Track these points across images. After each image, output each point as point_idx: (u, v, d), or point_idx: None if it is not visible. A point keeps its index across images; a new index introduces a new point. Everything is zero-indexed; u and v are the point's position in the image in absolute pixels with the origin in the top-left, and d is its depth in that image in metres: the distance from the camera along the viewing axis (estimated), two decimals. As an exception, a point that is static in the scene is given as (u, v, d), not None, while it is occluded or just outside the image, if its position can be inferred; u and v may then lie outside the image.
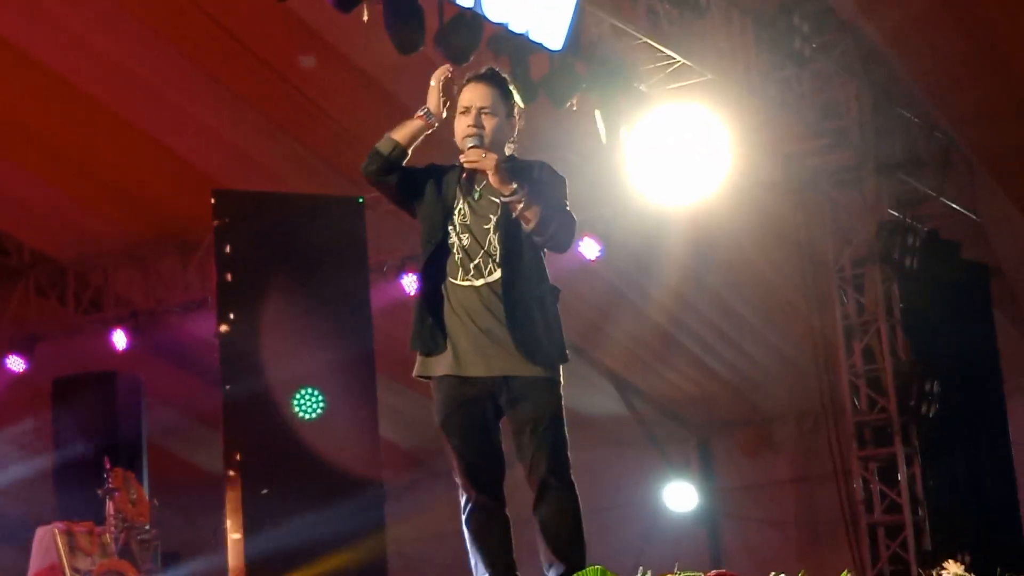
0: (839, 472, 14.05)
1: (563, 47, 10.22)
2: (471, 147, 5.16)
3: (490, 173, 5.10)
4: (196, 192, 13.76)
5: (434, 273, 5.24)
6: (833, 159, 13.74)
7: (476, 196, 5.25)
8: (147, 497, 11.49)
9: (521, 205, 5.09)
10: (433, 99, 5.18)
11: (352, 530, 11.68)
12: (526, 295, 5.17)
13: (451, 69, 5.24)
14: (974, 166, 14.59)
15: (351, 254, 12.69)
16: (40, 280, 16.05)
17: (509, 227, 5.18)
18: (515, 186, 5.09)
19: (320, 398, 12.09)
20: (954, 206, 14.72)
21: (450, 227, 5.23)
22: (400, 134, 5.23)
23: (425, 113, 5.20)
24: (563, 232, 5.16)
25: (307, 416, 11.96)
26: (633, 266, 15.27)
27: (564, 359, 5.23)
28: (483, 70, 5.36)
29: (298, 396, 12.16)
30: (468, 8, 9.54)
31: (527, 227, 5.12)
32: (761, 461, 18.26)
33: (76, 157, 14.11)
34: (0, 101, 13.20)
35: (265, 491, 11.58)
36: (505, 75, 5.37)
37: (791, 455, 18.01)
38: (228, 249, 12.14)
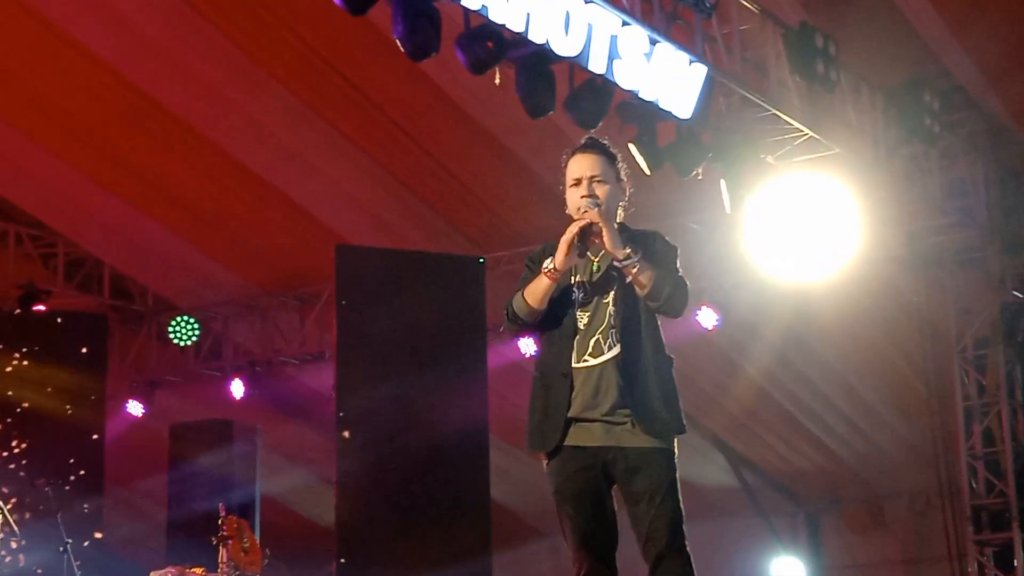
0: (953, 555, 13.83)
1: (691, 116, 10.23)
2: (585, 211, 5.16)
3: (605, 237, 5.11)
4: (318, 245, 13.95)
5: (553, 360, 5.23)
6: (958, 237, 13.63)
7: (594, 269, 5.26)
8: (260, 547, 11.50)
9: (636, 269, 5.09)
10: (561, 257, 5.11)
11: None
12: (646, 367, 5.16)
13: (583, 225, 5.13)
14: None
15: (469, 314, 12.73)
16: (162, 326, 16.30)
17: (627, 300, 5.19)
18: (629, 250, 5.10)
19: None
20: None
21: (571, 310, 5.22)
22: (533, 297, 5.17)
23: (552, 269, 5.13)
24: (677, 297, 5.14)
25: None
26: (749, 338, 15.18)
27: (682, 430, 5.22)
28: (585, 140, 5.37)
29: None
30: (599, 74, 9.57)
31: (641, 292, 5.12)
32: (871, 540, 18.01)
33: (202, 207, 14.36)
34: (128, 148, 13.46)
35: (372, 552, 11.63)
36: (606, 141, 5.38)
37: (902, 535, 17.75)
38: (348, 304, 12.24)
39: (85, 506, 13.62)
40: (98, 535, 13.41)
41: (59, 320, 14.72)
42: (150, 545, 15.67)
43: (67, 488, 13.12)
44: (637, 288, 5.12)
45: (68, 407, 14.17)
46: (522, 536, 17.60)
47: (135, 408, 16.14)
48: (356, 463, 11.90)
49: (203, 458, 15.07)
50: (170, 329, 15.79)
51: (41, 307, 14.98)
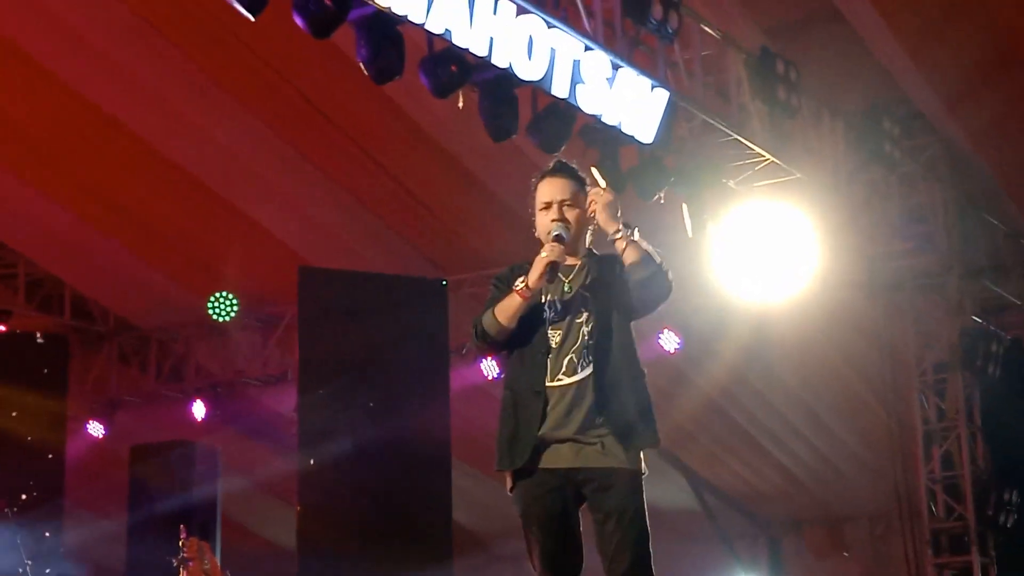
0: (913, 578, 13.91)
1: (654, 141, 10.28)
2: (556, 235, 5.20)
3: (599, 212, 5.18)
4: (280, 267, 13.93)
5: (525, 378, 5.23)
6: (918, 263, 13.72)
7: (566, 289, 5.28)
8: (221, 568, 11.46)
9: (626, 244, 5.15)
10: (535, 275, 5.13)
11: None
12: (621, 383, 5.18)
13: (562, 253, 5.16)
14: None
15: (432, 336, 12.75)
16: (123, 347, 16.24)
17: (601, 318, 5.21)
18: (620, 224, 5.17)
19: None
20: (1038, 314, 14.64)
21: (542, 328, 5.23)
22: (504, 315, 5.18)
23: (525, 288, 5.16)
24: (660, 277, 5.16)
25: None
26: (711, 361, 15.24)
27: (657, 442, 5.24)
28: (554, 164, 5.39)
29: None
30: (562, 99, 9.62)
31: (630, 265, 5.14)
32: (831, 562, 18.09)
33: (164, 227, 14.32)
34: (90, 168, 13.43)
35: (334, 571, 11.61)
36: (575, 164, 5.41)
37: (862, 557, 17.85)
38: (310, 325, 12.23)
39: (47, 533, 13.53)
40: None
41: (20, 340, 14.66)
42: (110, 566, 15.58)
43: (27, 509, 13.05)
44: (626, 262, 5.14)
45: (28, 428, 14.10)
46: (484, 558, 17.59)
47: (96, 429, 16.05)
48: (318, 485, 11.90)
49: (164, 479, 15.01)
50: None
51: (1, 327, 14.91)
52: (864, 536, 17.78)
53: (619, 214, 5.23)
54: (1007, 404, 13.76)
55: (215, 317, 15.25)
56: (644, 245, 5.19)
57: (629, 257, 5.16)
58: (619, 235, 5.18)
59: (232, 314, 15.26)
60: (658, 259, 5.19)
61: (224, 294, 15.20)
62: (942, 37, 11.95)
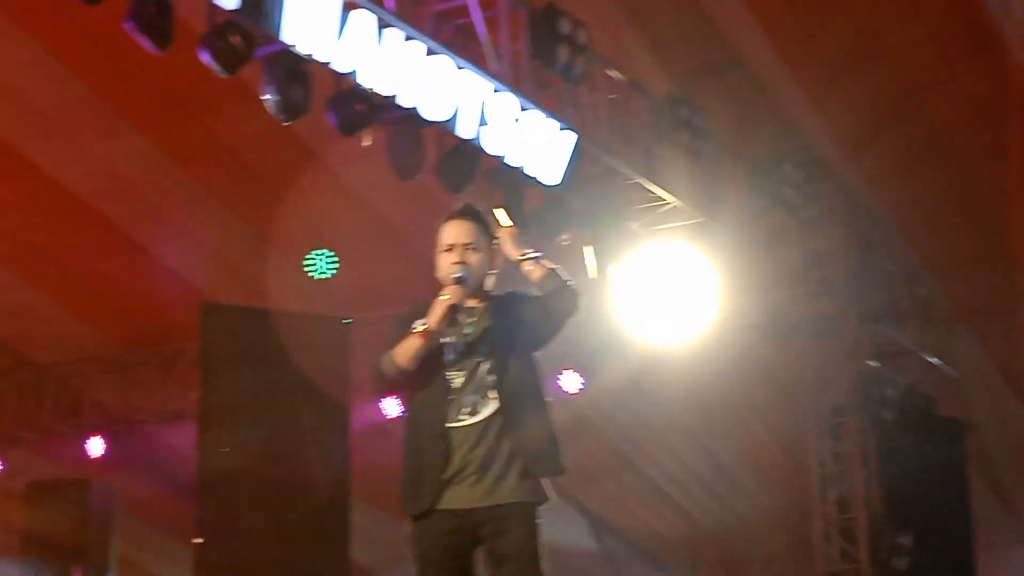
0: (808, 620, 14.00)
1: (559, 183, 10.34)
2: (456, 278, 5.22)
3: (505, 244, 5.24)
4: (181, 303, 13.81)
5: (426, 421, 5.21)
6: (817, 307, 13.86)
7: (467, 332, 5.28)
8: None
9: (532, 265, 5.20)
10: (435, 318, 5.14)
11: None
12: (527, 417, 5.19)
13: (459, 298, 5.18)
14: (953, 319, 14.74)
15: (334, 374, 12.68)
16: (20, 382, 16.00)
17: (503, 358, 5.22)
18: (526, 250, 5.23)
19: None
20: (932, 360, 14.84)
21: (443, 370, 5.21)
22: (403, 357, 5.17)
23: (425, 330, 5.16)
24: (567, 291, 5.18)
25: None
26: (612, 402, 15.30)
27: (563, 470, 5.23)
28: (462, 207, 5.40)
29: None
30: (468, 139, 9.65)
31: (537, 283, 5.19)
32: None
33: (62, 261, 14.15)
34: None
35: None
36: (483, 207, 5.43)
37: (760, 600, 17.95)
38: (211, 362, 12.14)
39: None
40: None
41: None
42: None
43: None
44: (534, 280, 5.19)
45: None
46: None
47: (-9, 465, 15.84)
48: (215, 524, 11.78)
49: (59, 517, 14.80)
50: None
51: None
52: (761, 578, 17.88)
53: (524, 244, 5.27)
54: (902, 448, 13.93)
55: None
56: (551, 264, 5.25)
57: (536, 274, 5.21)
58: (525, 257, 5.23)
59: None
60: (565, 276, 5.24)
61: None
62: (842, 84, 12.14)
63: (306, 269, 13.89)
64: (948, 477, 14.57)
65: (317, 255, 13.97)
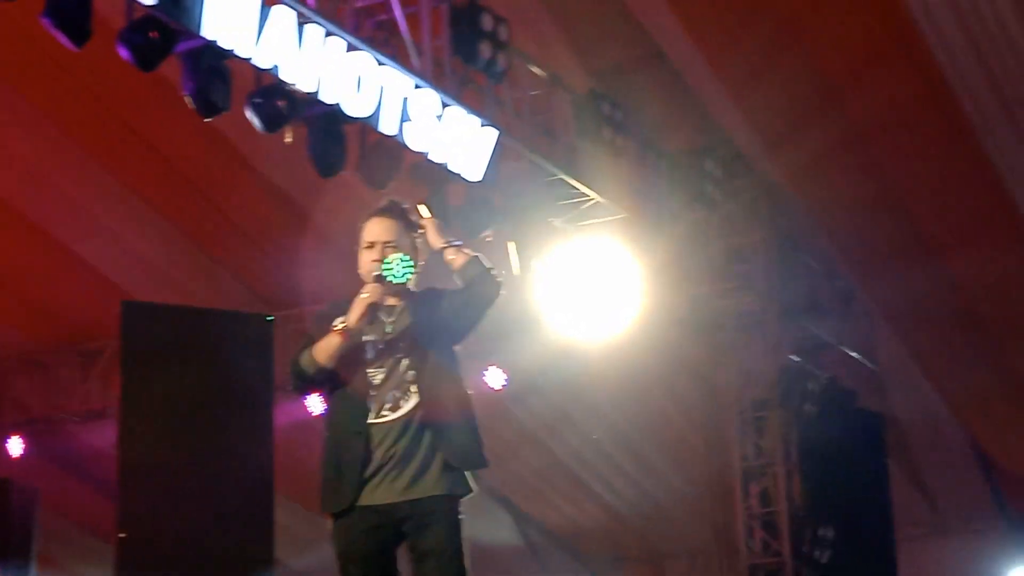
0: (731, 613, 14.10)
1: (481, 179, 10.35)
2: (376, 276, 5.22)
3: (429, 234, 5.26)
4: (102, 301, 13.68)
5: (345, 418, 5.21)
6: (738, 302, 13.97)
7: (387, 330, 5.27)
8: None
9: (455, 255, 5.21)
10: (355, 316, 5.14)
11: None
12: (448, 412, 5.19)
13: (378, 296, 5.21)
14: (873, 314, 14.88)
15: (257, 372, 12.59)
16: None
17: (424, 355, 5.23)
18: (448, 239, 5.24)
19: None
20: (852, 354, 14.98)
21: (363, 368, 5.21)
22: (323, 354, 5.16)
23: (344, 328, 5.16)
24: (488, 277, 5.19)
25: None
26: (535, 397, 15.34)
27: (486, 463, 5.24)
28: (384, 203, 5.40)
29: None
30: (390, 135, 9.64)
31: (457, 267, 5.21)
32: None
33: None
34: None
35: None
36: (406, 205, 5.42)
37: (683, 593, 18.03)
38: (132, 361, 12.05)
39: None
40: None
41: None
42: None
43: None
44: (455, 267, 5.21)
45: None
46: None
47: (-93, 465, 15.63)
48: (137, 522, 11.69)
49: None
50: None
51: None
52: (685, 572, 17.95)
53: (447, 234, 5.29)
54: (823, 442, 14.04)
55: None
56: (472, 252, 5.26)
57: (458, 262, 5.23)
58: (448, 245, 5.24)
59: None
60: (487, 263, 5.25)
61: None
62: (763, 78, 12.21)
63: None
64: (869, 470, 14.71)
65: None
